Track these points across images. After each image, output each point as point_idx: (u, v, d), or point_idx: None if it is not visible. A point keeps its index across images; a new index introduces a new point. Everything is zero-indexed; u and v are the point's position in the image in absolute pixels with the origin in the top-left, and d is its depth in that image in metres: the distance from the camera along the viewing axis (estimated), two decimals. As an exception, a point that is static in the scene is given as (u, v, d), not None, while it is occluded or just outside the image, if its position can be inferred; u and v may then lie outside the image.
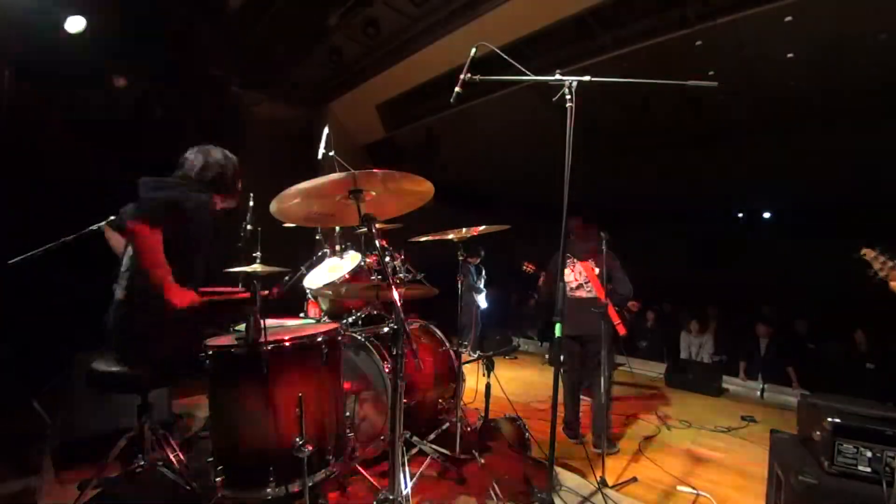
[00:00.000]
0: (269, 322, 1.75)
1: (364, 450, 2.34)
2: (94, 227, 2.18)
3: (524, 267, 4.03)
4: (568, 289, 3.33)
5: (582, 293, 3.30)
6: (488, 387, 2.78)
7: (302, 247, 3.33)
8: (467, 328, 6.62)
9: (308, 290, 2.81)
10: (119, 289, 1.94)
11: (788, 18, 3.41)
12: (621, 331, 3.28)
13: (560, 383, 2.00)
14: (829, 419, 1.73)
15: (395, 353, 1.66)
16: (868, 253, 1.80)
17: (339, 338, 2.00)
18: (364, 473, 2.23)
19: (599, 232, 3.01)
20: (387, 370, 2.36)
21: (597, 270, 3.24)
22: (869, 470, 1.64)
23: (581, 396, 3.45)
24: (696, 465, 3.12)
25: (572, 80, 1.80)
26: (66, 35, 3.46)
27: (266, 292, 2.20)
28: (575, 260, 3.34)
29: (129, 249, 1.97)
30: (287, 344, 1.76)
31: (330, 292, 2.60)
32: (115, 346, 1.92)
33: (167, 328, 1.87)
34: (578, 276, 3.32)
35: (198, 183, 2.05)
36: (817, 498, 1.66)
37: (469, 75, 1.84)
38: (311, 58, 4.92)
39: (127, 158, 4.12)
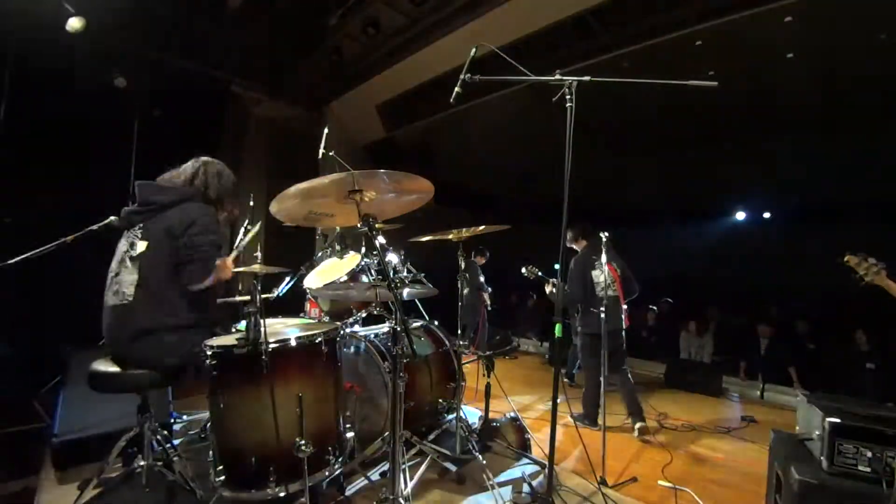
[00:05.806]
0: (270, 321, 1.75)
1: (364, 450, 2.34)
2: (95, 227, 2.18)
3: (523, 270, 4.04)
4: (598, 288, 3.66)
5: (609, 292, 3.60)
6: (488, 387, 2.78)
7: (302, 247, 3.33)
8: (470, 327, 6.59)
9: (308, 290, 2.81)
10: (110, 294, 1.92)
11: (788, 18, 3.41)
12: (626, 322, 3.75)
13: (559, 380, 2.00)
14: (829, 419, 1.73)
15: (395, 353, 1.67)
16: (851, 259, 1.82)
17: (339, 338, 2.00)
18: (364, 473, 2.23)
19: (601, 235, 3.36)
20: (387, 370, 2.36)
21: (618, 272, 3.65)
22: (869, 470, 1.64)
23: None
24: (697, 465, 3.12)
25: (572, 80, 1.80)
26: (67, 35, 3.46)
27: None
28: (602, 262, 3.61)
29: (118, 254, 1.96)
30: (287, 344, 1.76)
31: (330, 292, 2.60)
32: (115, 351, 1.92)
33: (171, 334, 1.87)
34: (607, 277, 3.63)
35: (202, 196, 2.05)
36: (817, 498, 1.66)
37: (469, 75, 1.84)
38: (311, 58, 4.92)
39: (126, 159, 4.14)
